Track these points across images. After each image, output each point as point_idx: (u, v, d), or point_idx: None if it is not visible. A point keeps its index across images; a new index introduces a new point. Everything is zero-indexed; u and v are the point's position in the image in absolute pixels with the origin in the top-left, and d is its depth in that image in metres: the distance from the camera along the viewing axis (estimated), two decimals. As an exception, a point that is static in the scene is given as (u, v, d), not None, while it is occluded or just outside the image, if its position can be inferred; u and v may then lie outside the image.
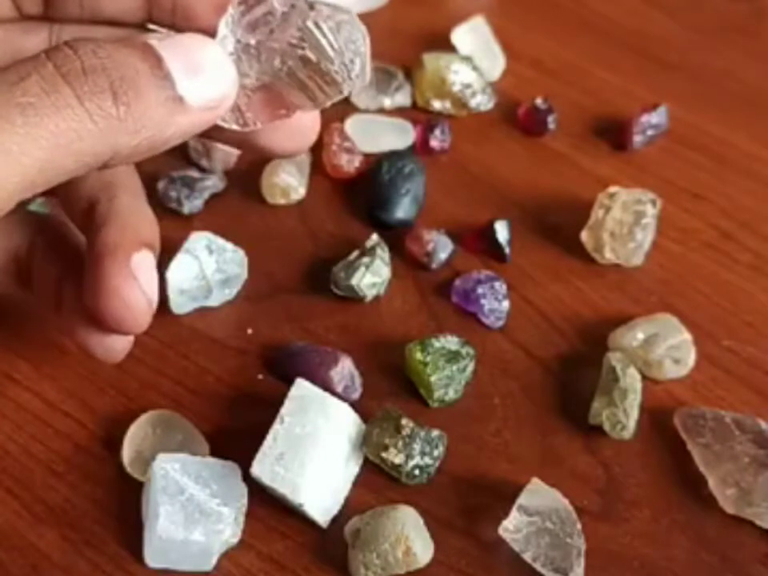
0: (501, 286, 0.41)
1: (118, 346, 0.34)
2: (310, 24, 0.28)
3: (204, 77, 0.27)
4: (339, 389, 0.38)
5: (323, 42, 0.28)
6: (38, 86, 0.24)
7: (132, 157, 0.27)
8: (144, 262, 0.32)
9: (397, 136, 0.47)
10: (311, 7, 0.28)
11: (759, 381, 0.39)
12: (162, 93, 0.26)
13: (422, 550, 0.33)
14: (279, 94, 0.29)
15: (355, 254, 0.41)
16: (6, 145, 0.24)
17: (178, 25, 0.30)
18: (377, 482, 0.36)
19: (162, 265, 0.39)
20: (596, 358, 0.39)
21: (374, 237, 0.42)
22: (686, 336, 0.39)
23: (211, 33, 0.28)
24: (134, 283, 0.31)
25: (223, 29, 0.28)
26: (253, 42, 0.28)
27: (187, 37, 0.27)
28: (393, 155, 0.45)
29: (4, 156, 0.24)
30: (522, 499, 0.34)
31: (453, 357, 0.38)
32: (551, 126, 0.48)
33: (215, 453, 0.36)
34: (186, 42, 0.27)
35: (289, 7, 0.28)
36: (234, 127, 0.29)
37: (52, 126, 0.24)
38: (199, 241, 0.40)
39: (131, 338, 0.34)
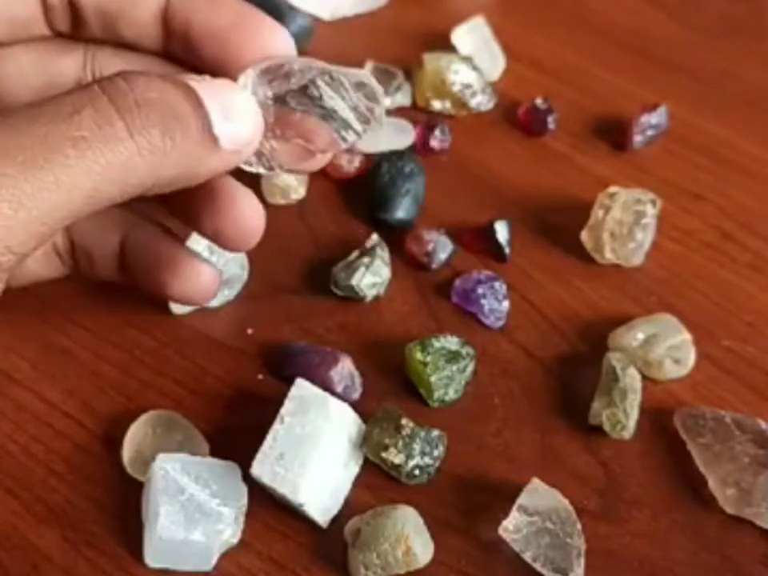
0: (501, 286, 0.41)
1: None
2: (326, 79, 0.30)
3: (236, 120, 0.28)
4: (339, 389, 0.38)
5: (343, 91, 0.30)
6: (92, 120, 0.25)
7: (167, 189, 0.28)
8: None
9: (397, 136, 0.47)
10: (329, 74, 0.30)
11: (759, 381, 0.39)
12: (203, 132, 0.27)
13: (422, 550, 0.33)
14: (300, 139, 0.30)
15: (355, 254, 0.41)
16: (60, 177, 0.25)
17: (187, 59, 0.32)
18: (377, 482, 0.36)
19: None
20: (596, 358, 0.39)
21: (374, 237, 0.42)
22: (686, 336, 0.39)
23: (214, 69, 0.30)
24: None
25: (242, 81, 0.29)
26: (270, 93, 0.29)
27: (220, 81, 0.29)
28: (393, 155, 0.45)
29: (55, 188, 0.25)
30: (521, 499, 0.34)
31: (453, 357, 0.38)
32: (551, 126, 0.48)
33: (215, 453, 0.36)
34: (220, 85, 0.29)
35: (307, 69, 0.30)
36: (261, 171, 0.31)
37: (102, 160, 0.25)
38: (200, 241, 0.40)
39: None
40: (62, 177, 0.25)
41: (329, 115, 0.30)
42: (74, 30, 0.32)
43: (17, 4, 0.31)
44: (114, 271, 0.37)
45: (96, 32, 0.32)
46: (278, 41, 0.31)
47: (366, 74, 0.30)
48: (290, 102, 0.29)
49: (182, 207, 0.35)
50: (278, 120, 0.30)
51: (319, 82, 0.30)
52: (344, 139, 0.30)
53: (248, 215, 0.34)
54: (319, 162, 0.33)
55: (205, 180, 0.29)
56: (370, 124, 0.30)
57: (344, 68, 0.30)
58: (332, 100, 0.30)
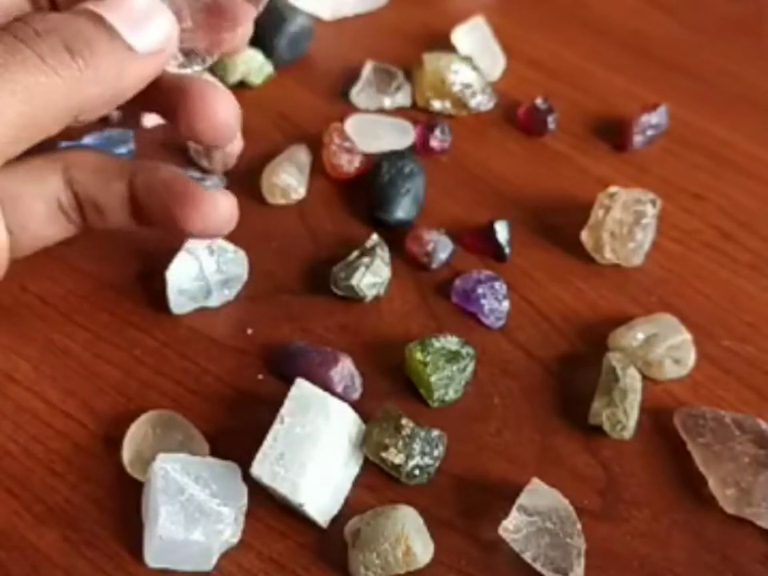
0: (501, 286, 0.41)
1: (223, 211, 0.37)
2: None
3: (145, 24, 0.30)
4: (339, 389, 0.38)
5: None
6: (3, 50, 0.28)
7: (100, 108, 0.30)
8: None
9: (397, 136, 0.47)
10: None
11: (759, 381, 0.39)
12: (111, 44, 0.29)
13: (422, 549, 0.33)
14: (216, 11, 0.32)
15: (355, 254, 0.41)
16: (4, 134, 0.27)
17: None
18: (377, 482, 0.36)
19: (162, 265, 0.40)
20: (596, 358, 0.39)
21: (374, 237, 0.42)
22: (686, 336, 0.39)
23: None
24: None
25: None
26: None
27: None
28: (393, 155, 0.45)
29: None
30: (522, 499, 0.34)
31: (453, 357, 0.38)
32: (551, 126, 0.48)
33: (215, 453, 0.36)
34: None
35: None
36: (196, 68, 0.32)
37: (24, 81, 0.27)
38: (200, 241, 0.40)
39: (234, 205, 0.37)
40: None
41: None
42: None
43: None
44: (126, 217, 0.37)
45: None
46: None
47: None
48: None
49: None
50: None
51: None
52: None
53: (221, 110, 0.34)
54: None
55: (138, 89, 0.31)
56: None
57: None
58: None
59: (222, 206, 0.36)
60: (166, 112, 0.35)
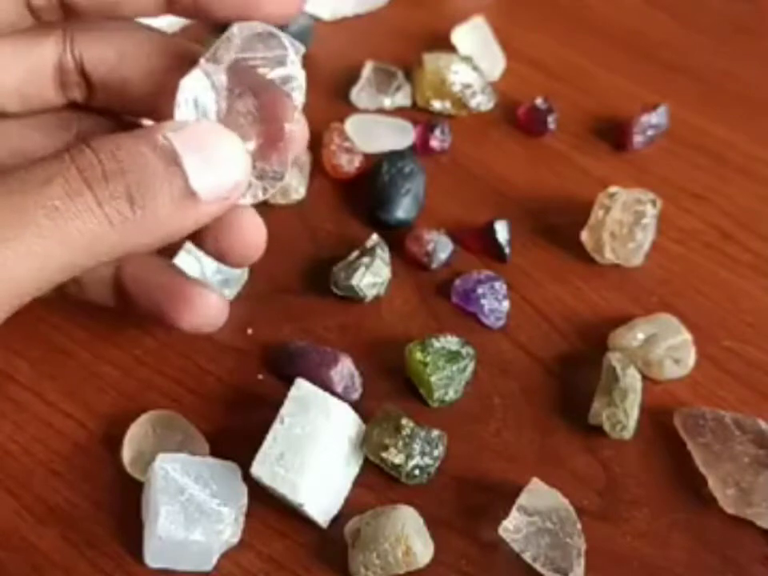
0: (501, 286, 0.41)
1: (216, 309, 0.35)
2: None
3: (218, 170, 0.27)
4: (339, 389, 0.38)
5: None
6: (63, 190, 0.25)
7: (147, 250, 0.28)
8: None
9: (397, 136, 0.47)
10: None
11: (759, 381, 0.39)
12: (176, 191, 0.27)
13: (422, 549, 0.33)
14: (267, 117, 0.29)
15: (355, 253, 0.41)
16: (33, 247, 0.25)
17: (196, 17, 0.31)
18: (377, 482, 0.36)
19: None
20: (596, 358, 0.39)
21: (374, 237, 0.42)
22: (686, 336, 0.39)
23: (226, 24, 0.29)
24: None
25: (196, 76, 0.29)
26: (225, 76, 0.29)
27: (202, 127, 0.28)
28: (393, 155, 0.45)
29: (30, 257, 0.25)
30: (521, 499, 0.34)
31: (453, 357, 0.38)
32: (551, 126, 0.48)
33: (215, 453, 0.36)
34: (201, 132, 0.28)
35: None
36: (271, 191, 0.30)
37: (74, 231, 0.25)
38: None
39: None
40: (34, 248, 0.25)
41: (271, 83, 0.29)
42: (64, 22, 0.31)
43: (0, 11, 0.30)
44: (109, 298, 0.36)
45: (91, 17, 0.31)
46: None
47: (259, 25, 0.30)
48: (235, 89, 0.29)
49: None
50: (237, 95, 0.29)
51: (241, 63, 0.29)
52: (292, 90, 0.30)
53: (250, 233, 0.33)
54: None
55: (190, 233, 0.28)
56: (296, 66, 0.30)
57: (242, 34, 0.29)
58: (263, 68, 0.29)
59: (215, 306, 0.35)
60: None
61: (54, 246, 0.25)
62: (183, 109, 0.29)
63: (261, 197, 0.30)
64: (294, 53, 0.29)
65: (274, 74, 0.29)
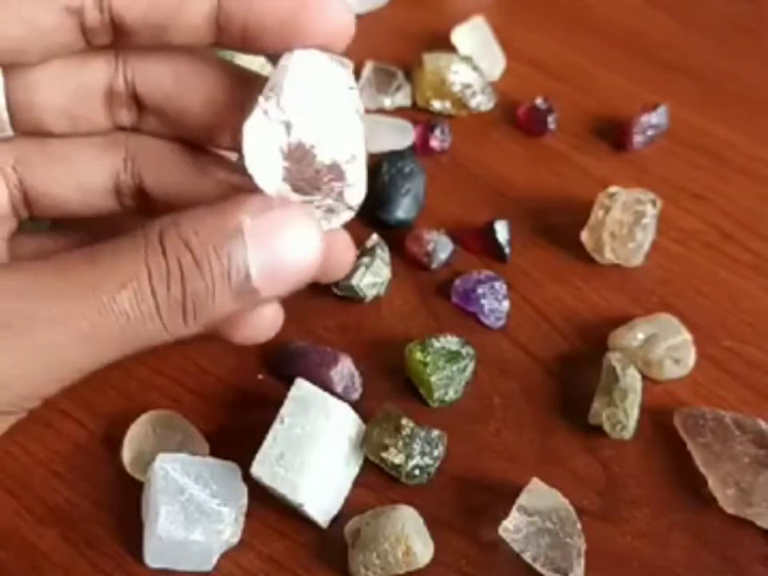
0: (501, 286, 0.41)
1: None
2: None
3: (285, 265, 0.28)
4: (339, 389, 0.38)
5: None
6: (135, 297, 0.27)
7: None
8: None
9: (397, 136, 0.47)
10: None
11: (759, 381, 0.39)
12: (236, 287, 0.27)
13: (422, 549, 0.33)
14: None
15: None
16: (100, 358, 0.28)
17: (243, 48, 0.31)
18: (377, 482, 0.36)
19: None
20: (596, 358, 0.39)
21: (374, 237, 0.42)
22: (686, 336, 0.39)
23: (277, 53, 0.30)
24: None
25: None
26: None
27: (276, 215, 0.28)
28: (393, 155, 0.45)
29: (91, 346, 0.27)
30: (521, 499, 0.34)
31: (453, 357, 0.38)
32: (551, 126, 0.48)
33: (215, 453, 0.36)
34: (275, 220, 0.27)
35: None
36: (339, 222, 0.31)
37: (135, 337, 0.28)
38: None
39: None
40: (101, 358, 0.28)
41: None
42: (116, 43, 0.31)
43: (54, 33, 0.29)
44: None
45: (141, 42, 0.30)
46: (339, 22, 0.29)
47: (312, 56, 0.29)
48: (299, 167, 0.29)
49: None
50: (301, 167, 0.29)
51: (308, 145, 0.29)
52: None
53: (341, 252, 0.34)
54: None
55: None
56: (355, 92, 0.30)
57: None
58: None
59: (269, 316, 0.34)
60: None
61: (117, 352, 0.28)
62: (253, 157, 0.28)
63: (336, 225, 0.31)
64: (348, 75, 0.29)
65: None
